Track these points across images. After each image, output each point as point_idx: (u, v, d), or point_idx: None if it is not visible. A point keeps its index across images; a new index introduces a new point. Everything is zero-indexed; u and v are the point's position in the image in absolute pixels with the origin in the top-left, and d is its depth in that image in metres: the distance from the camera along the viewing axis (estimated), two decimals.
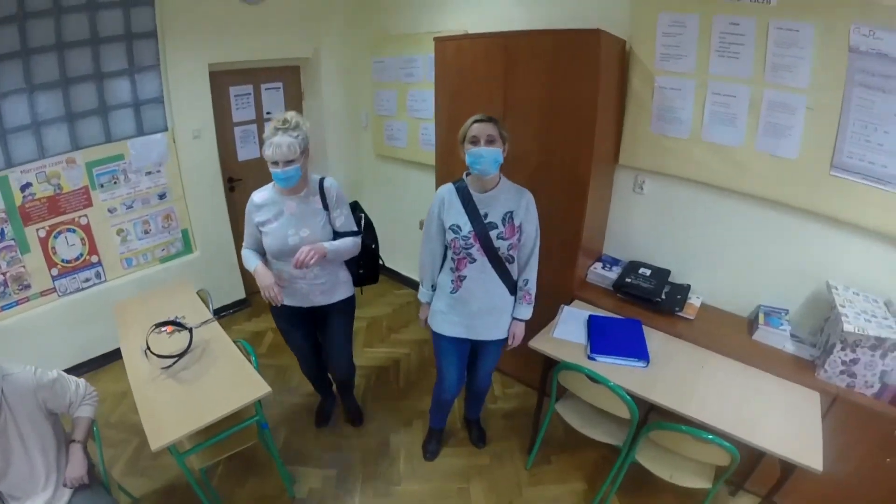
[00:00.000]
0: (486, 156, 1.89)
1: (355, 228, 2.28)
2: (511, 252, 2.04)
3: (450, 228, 2.02)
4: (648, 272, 2.63)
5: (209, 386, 2.04)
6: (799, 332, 2.33)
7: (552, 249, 2.59)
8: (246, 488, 2.43)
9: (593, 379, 2.01)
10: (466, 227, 1.98)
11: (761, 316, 2.33)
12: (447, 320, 2.17)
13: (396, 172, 4.07)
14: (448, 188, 2.06)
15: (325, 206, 2.16)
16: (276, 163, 1.98)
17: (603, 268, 2.77)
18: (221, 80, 3.53)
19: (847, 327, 1.88)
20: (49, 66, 2.77)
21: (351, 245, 2.21)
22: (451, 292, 2.12)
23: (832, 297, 2.09)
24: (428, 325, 2.29)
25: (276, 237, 2.14)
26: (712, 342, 2.25)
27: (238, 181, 3.90)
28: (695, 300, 2.55)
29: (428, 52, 2.89)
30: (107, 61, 2.94)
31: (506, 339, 2.22)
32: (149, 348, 2.17)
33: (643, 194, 2.71)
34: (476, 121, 1.93)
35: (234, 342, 2.32)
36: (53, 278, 3.04)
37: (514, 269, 2.10)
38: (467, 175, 2.04)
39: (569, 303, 2.59)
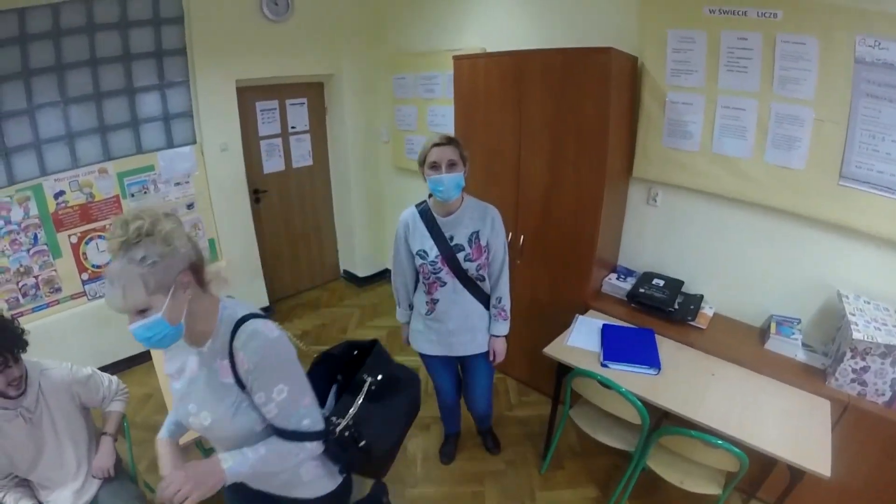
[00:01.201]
0: (447, 182, 1.87)
1: (306, 424, 1.20)
2: (481, 272, 2.05)
3: (416, 254, 2.02)
4: (662, 283, 2.69)
5: None
6: (810, 342, 2.37)
7: (567, 261, 2.71)
8: None
9: (605, 385, 2.07)
10: (433, 252, 1.98)
11: (773, 325, 2.37)
12: (426, 339, 2.20)
13: (417, 185, 4.15)
14: (411, 213, 2.05)
15: (238, 381, 1.17)
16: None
17: (617, 279, 2.84)
18: (248, 95, 3.70)
19: (857, 335, 1.91)
20: (83, 80, 2.96)
21: (287, 455, 1.19)
22: (426, 314, 2.14)
23: (843, 306, 2.11)
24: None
25: (176, 410, 1.31)
26: (724, 351, 2.30)
27: (263, 192, 4.07)
28: (707, 310, 2.61)
29: (447, 70, 3.01)
30: (138, 76, 3.13)
31: (487, 355, 2.24)
32: None
33: (656, 206, 2.79)
34: (435, 144, 1.88)
35: None
36: (83, 282, 3.20)
37: (485, 286, 2.13)
38: (430, 197, 2.02)
39: (583, 312, 2.66)
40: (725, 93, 2.37)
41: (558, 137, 2.53)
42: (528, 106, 2.60)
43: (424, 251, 1.99)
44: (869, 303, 2.16)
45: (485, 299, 2.14)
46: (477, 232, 1.99)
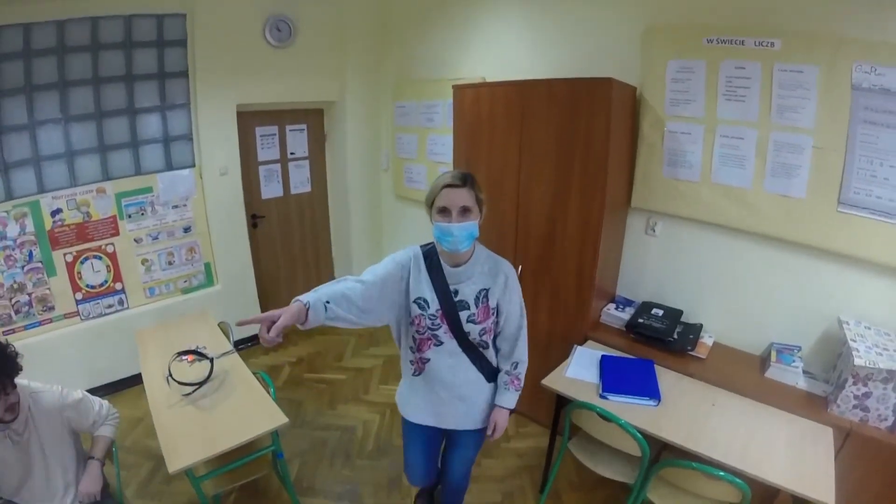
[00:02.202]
0: (457, 233, 1.55)
1: None
2: (484, 338, 1.73)
3: (415, 302, 1.67)
4: (661, 312, 2.68)
5: (228, 414, 2.12)
6: (811, 369, 2.36)
7: (566, 291, 2.70)
8: None
9: (605, 417, 2.05)
10: (434, 304, 1.65)
11: (773, 353, 2.36)
12: (412, 404, 1.88)
13: (415, 213, 4.20)
14: (415, 254, 1.71)
15: None
16: None
17: (616, 308, 2.83)
18: (248, 120, 3.73)
19: (858, 361, 1.90)
20: (85, 99, 2.98)
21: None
22: (413, 374, 1.82)
23: (843, 333, 2.11)
24: (275, 340, 1.40)
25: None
26: (724, 380, 2.29)
27: (261, 218, 4.07)
28: (707, 339, 2.59)
29: (448, 98, 3.04)
30: (140, 97, 3.15)
31: (481, 431, 1.90)
32: (171, 375, 2.26)
33: (655, 236, 2.80)
34: (447, 185, 1.55)
35: (254, 374, 2.40)
36: (77, 302, 3.18)
37: (490, 354, 1.80)
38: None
39: (582, 343, 2.65)
40: (724, 122, 2.40)
41: (559, 166, 2.54)
42: (528, 135, 2.62)
43: (425, 301, 1.66)
44: (870, 328, 2.15)
45: (485, 369, 1.81)
46: (486, 290, 1.68)
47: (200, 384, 2.25)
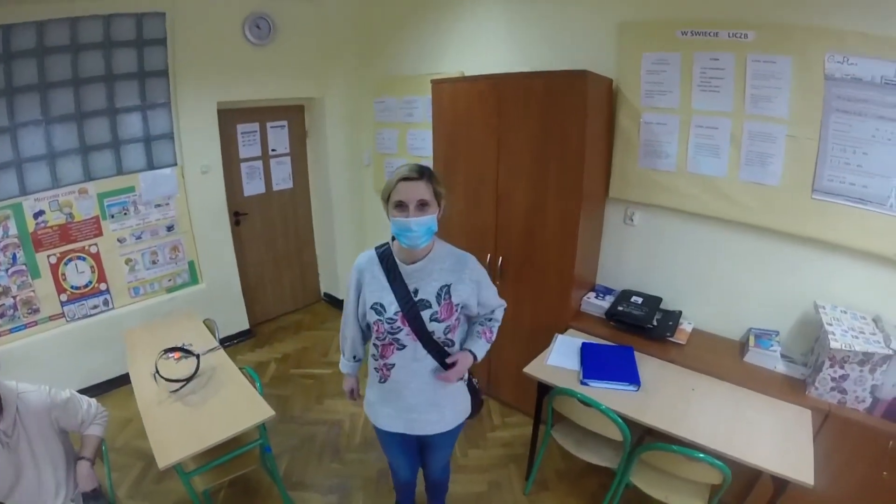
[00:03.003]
0: (415, 228, 1.50)
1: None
2: (449, 336, 1.67)
3: (371, 308, 1.63)
4: (640, 300, 2.72)
5: (215, 409, 2.13)
6: (790, 353, 2.40)
7: (547, 282, 2.73)
8: None
9: (586, 403, 2.08)
10: (392, 308, 1.60)
11: (751, 338, 2.41)
12: (381, 413, 1.82)
13: None
14: (368, 257, 1.68)
15: None
16: None
17: (596, 297, 2.86)
18: (229, 117, 3.71)
19: (834, 344, 1.94)
20: (65, 100, 2.95)
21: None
22: (379, 381, 1.76)
23: (820, 317, 2.15)
24: (355, 398, 2.06)
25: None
26: (703, 366, 2.33)
27: (244, 215, 4.06)
28: (686, 326, 2.64)
29: (427, 94, 3.05)
30: (120, 97, 3.13)
31: (456, 430, 1.90)
32: (157, 372, 2.26)
33: (634, 226, 2.83)
34: (403, 178, 1.49)
35: (241, 369, 2.41)
36: (62, 304, 3.16)
37: (454, 351, 1.73)
38: (393, 240, 1.66)
39: (563, 332, 2.68)
40: (699, 113, 2.43)
41: (537, 159, 2.57)
42: (506, 129, 2.64)
43: (381, 305, 1.61)
44: (846, 312, 2.19)
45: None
46: (448, 286, 1.61)
47: (187, 380, 2.25)
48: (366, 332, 1.83)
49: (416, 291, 1.61)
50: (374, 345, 1.71)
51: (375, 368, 1.76)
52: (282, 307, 4.60)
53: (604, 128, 2.62)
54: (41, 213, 2.99)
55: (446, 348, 1.68)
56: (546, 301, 2.78)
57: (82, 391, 3.14)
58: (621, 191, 2.78)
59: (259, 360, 3.86)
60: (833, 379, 2.05)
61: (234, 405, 2.16)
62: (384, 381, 1.74)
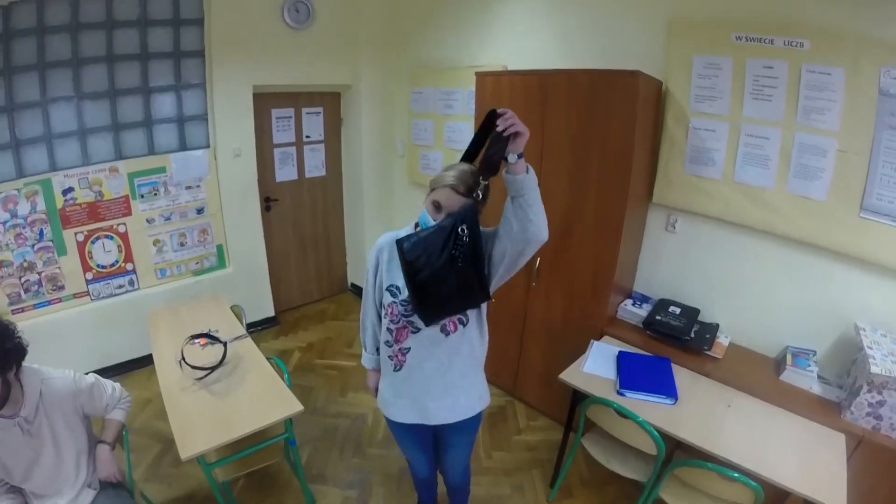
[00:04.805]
0: None
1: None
2: (462, 315, 1.62)
3: (387, 290, 1.61)
4: (678, 310, 2.62)
5: (241, 400, 2.05)
6: (826, 374, 2.31)
7: (582, 285, 2.64)
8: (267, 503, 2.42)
9: (622, 414, 2.00)
10: (406, 290, 1.55)
11: (788, 357, 2.32)
12: (396, 404, 1.76)
13: None
14: (389, 238, 1.65)
15: None
16: None
17: (633, 304, 2.77)
18: (264, 101, 3.63)
19: (874, 369, 1.87)
20: (99, 77, 2.88)
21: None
22: (394, 370, 1.70)
23: (860, 339, 2.07)
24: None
25: None
26: (740, 382, 2.25)
27: (275, 201, 3.99)
28: (723, 339, 2.54)
29: (467, 86, 2.94)
30: (154, 76, 3.06)
31: (471, 423, 1.80)
32: (184, 359, 2.19)
33: (675, 233, 2.73)
34: (450, 186, 1.47)
35: (268, 359, 2.35)
36: (87, 282, 3.11)
37: (471, 332, 1.66)
38: (416, 225, 1.63)
39: (598, 338, 2.60)
40: (749, 121, 2.33)
41: (580, 158, 2.48)
42: (550, 125, 2.54)
43: (397, 287, 1.59)
44: (886, 336, 2.11)
45: (469, 348, 1.67)
46: None
47: (213, 368, 2.19)
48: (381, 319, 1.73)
49: None
50: (388, 329, 1.65)
51: (389, 356, 1.69)
52: (307, 295, 4.53)
53: (650, 130, 2.52)
54: (70, 189, 2.93)
55: (462, 326, 1.61)
56: (579, 304, 2.70)
57: (104, 370, 3.23)
58: (665, 196, 2.67)
59: (283, 349, 3.80)
60: (870, 404, 1.97)
61: (260, 397, 2.08)
62: (399, 369, 1.68)
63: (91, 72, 2.84)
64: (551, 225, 2.40)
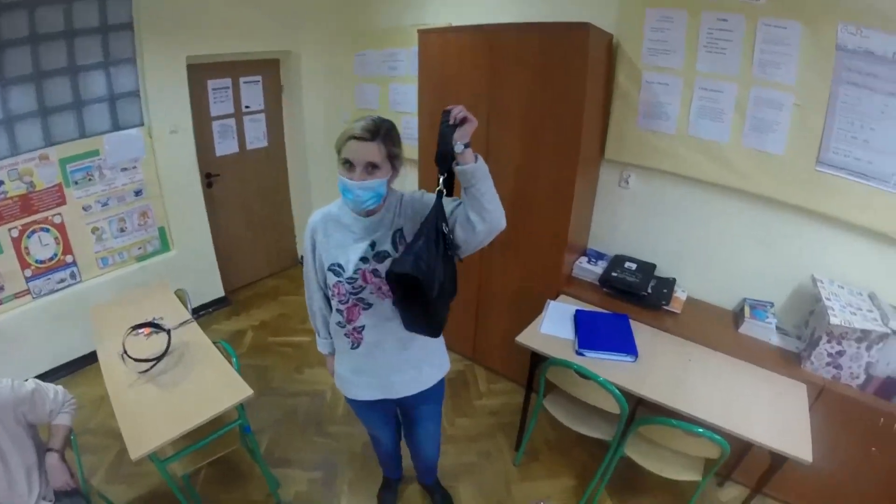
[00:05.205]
0: (358, 193, 1.35)
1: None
2: None
3: (329, 270, 1.49)
4: (634, 266, 2.58)
5: (189, 390, 1.93)
6: (784, 325, 2.31)
7: (538, 246, 2.56)
8: (231, 493, 2.32)
9: (582, 374, 1.94)
10: (351, 266, 1.45)
11: (747, 309, 2.31)
12: (356, 382, 1.68)
13: None
14: (321, 215, 1.53)
15: None
16: None
17: (588, 262, 2.70)
18: (199, 73, 3.37)
19: (834, 320, 1.87)
20: (22, 60, 2.60)
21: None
22: (351, 347, 1.59)
23: (818, 291, 2.06)
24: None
25: None
26: (699, 336, 2.23)
27: (216, 176, 3.74)
28: (680, 294, 2.51)
29: (411, 46, 2.78)
30: (81, 54, 2.78)
31: (436, 390, 1.75)
32: (125, 352, 2.03)
33: (628, 189, 2.66)
34: (353, 137, 1.31)
35: (214, 343, 2.21)
36: (27, 279, 2.86)
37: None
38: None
39: (554, 298, 2.52)
40: (704, 75, 2.25)
41: (530, 116, 2.36)
42: (498, 83, 2.41)
43: (339, 266, 1.47)
44: (843, 288, 2.11)
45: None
46: (401, 230, 1.47)
47: (157, 359, 2.04)
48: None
49: (373, 244, 1.46)
50: (338, 310, 1.55)
51: (345, 335, 1.58)
52: (258, 272, 4.32)
53: (602, 86, 2.41)
54: (0, 183, 2.66)
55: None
56: (536, 265, 2.62)
57: (54, 370, 3.02)
58: (617, 152, 2.59)
59: (236, 329, 3.63)
60: (829, 354, 1.98)
61: (209, 384, 1.96)
62: (357, 346, 1.58)
63: (14, 55, 2.54)
64: (505, 184, 2.28)
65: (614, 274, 2.51)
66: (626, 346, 2.10)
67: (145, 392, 1.92)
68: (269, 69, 3.82)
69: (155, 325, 2.21)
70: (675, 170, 2.44)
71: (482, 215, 1.32)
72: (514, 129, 2.42)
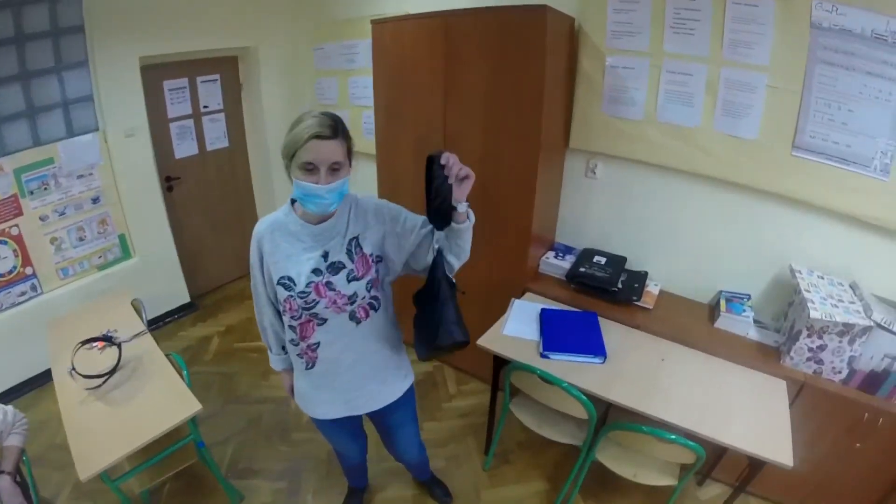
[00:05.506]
0: (327, 196, 1.22)
1: None
2: (373, 293, 1.39)
3: (279, 284, 1.35)
4: (604, 260, 2.44)
5: (140, 405, 1.85)
6: (762, 318, 2.18)
7: (502, 241, 2.41)
8: None
9: (546, 380, 1.82)
10: (302, 279, 1.32)
11: (722, 302, 2.17)
12: (315, 400, 1.55)
13: None
14: (267, 224, 1.38)
15: None
16: None
17: (556, 257, 2.56)
18: (154, 74, 3.22)
19: (814, 314, 1.74)
20: None
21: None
22: (307, 368, 1.47)
23: (796, 282, 1.94)
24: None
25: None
26: (673, 332, 2.09)
27: (176, 180, 3.58)
28: (653, 288, 2.37)
29: (369, 37, 2.63)
30: (32, 59, 2.64)
31: (406, 397, 1.65)
32: (73, 368, 1.94)
33: (596, 179, 2.51)
34: (316, 136, 1.17)
35: (167, 355, 2.11)
36: None
37: (382, 315, 1.45)
38: (293, 202, 1.37)
39: (520, 296, 2.38)
40: (671, 56, 2.11)
41: (489, 105, 2.22)
42: (455, 72, 2.27)
43: (290, 279, 1.33)
44: (822, 278, 1.98)
45: (385, 336, 1.49)
46: (356, 238, 1.35)
47: (108, 375, 1.94)
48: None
49: (326, 254, 1.33)
50: (290, 327, 1.41)
51: (299, 355, 1.45)
52: (226, 275, 4.17)
53: (564, 71, 2.27)
54: None
55: (373, 312, 1.41)
56: (502, 261, 2.47)
57: (19, 386, 2.89)
58: (583, 140, 2.44)
59: (202, 335, 3.50)
60: (810, 349, 1.86)
61: (159, 400, 1.87)
62: (312, 367, 1.45)
63: None
64: None
65: (582, 269, 2.37)
66: (594, 346, 1.97)
67: (95, 409, 1.84)
68: (227, 67, 3.66)
69: (107, 339, 2.11)
70: (644, 157, 2.29)
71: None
72: (474, 117, 2.28)
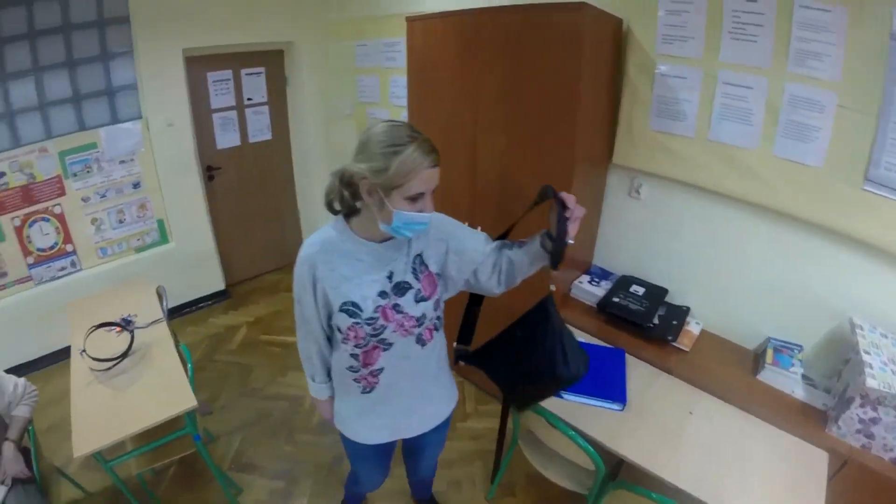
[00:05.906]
0: (428, 223, 1.15)
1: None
2: (438, 313, 1.30)
3: (342, 311, 1.18)
4: (642, 290, 2.17)
5: (139, 393, 1.86)
6: (811, 374, 1.86)
7: None
8: (191, 495, 2.21)
9: (554, 425, 1.62)
10: (369, 304, 1.18)
11: (769, 352, 1.87)
12: (364, 425, 1.41)
13: None
14: (319, 245, 1.21)
15: None
16: None
17: (590, 282, 2.31)
18: (198, 65, 3.22)
19: (870, 382, 1.45)
20: (21, 55, 2.59)
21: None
22: (362, 392, 1.33)
23: (855, 338, 1.63)
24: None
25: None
26: (708, 381, 1.83)
27: (217, 169, 3.60)
28: (693, 326, 2.09)
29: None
30: (79, 48, 2.72)
31: (448, 421, 1.54)
32: (85, 350, 1.97)
33: (640, 199, 2.24)
34: (433, 166, 1.07)
35: (177, 347, 2.11)
36: (29, 267, 2.87)
37: (441, 336, 1.38)
38: (347, 217, 1.23)
39: None
40: (728, 66, 1.81)
41: (518, 113, 2.01)
42: (484, 75, 2.07)
43: (354, 305, 1.18)
44: (886, 337, 1.65)
45: (442, 352, 1.42)
46: (420, 255, 1.23)
47: (117, 360, 1.96)
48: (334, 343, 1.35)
49: (391, 275, 1.20)
50: (352, 355, 1.26)
51: (355, 380, 1.31)
52: (261, 266, 4.14)
53: (607, 77, 2.02)
54: (1, 174, 2.66)
55: (435, 332, 1.32)
56: (527, 282, 2.24)
57: (48, 356, 2.99)
58: (627, 156, 2.18)
59: (230, 324, 3.49)
60: (861, 420, 1.56)
61: (158, 390, 1.87)
62: (369, 391, 1.32)
63: (13, 50, 2.53)
64: (490, 189, 2.03)
65: (616, 299, 2.12)
66: (615, 391, 1.74)
67: (100, 391, 1.87)
68: (272, 60, 3.62)
69: (123, 324, 2.14)
70: (693, 180, 2.01)
71: (508, 285, 1.33)
72: (502, 126, 2.08)
